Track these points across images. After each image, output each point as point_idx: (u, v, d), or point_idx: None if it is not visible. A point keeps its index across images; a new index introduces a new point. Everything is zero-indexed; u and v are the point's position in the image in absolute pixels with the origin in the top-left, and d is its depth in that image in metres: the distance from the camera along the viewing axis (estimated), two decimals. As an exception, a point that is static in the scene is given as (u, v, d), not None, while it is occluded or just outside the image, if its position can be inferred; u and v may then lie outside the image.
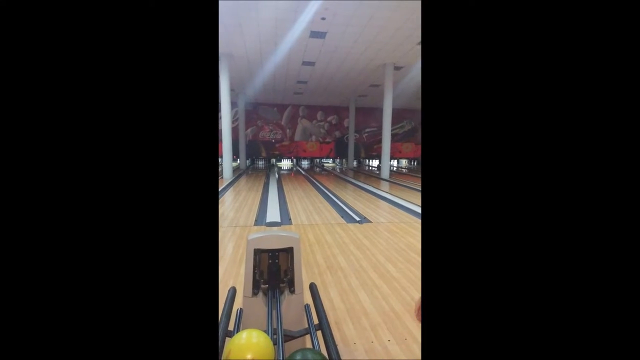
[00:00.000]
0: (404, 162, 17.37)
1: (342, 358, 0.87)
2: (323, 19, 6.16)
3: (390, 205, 5.56)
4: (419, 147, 17.31)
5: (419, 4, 5.52)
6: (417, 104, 15.00)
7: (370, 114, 15.93)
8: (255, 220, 4.31)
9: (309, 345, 1.03)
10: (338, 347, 1.56)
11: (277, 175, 10.53)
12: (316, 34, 6.93)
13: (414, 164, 17.18)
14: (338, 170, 13.88)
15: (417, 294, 2.08)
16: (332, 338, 0.91)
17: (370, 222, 4.28)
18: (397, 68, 9.26)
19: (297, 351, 0.75)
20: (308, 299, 1.22)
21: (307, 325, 1.04)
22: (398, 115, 15.82)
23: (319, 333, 0.98)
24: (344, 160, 16.38)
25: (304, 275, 2.37)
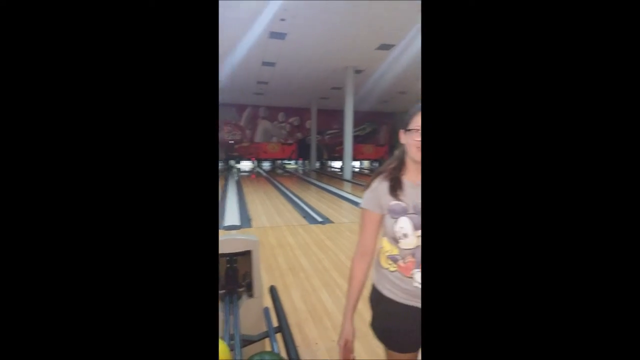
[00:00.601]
0: (366, 164, 17.82)
1: (302, 358, 0.86)
2: (282, 20, 6.13)
3: (353, 206, 5.67)
4: (379, 149, 17.87)
5: (377, 9, 5.71)
6: (381, 108, 15.50)
7: (332, 115, 16.12)
8: (215, 224, 4.16)
9: (268, 348, 1.01)
10: (299, 348, 1.55)
11: (236, 177, 10.27)
12: (276, 35, 6.88)
13: (375, 165, 17.69)
14: (300, 171, 13.88)
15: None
16: (292, 339, 0.90)
17: (333, 222, 4.33)
18: (357, 71, 9.48)
19: (254, 355, 0.73)
20: (268, 302, 1.20)
21: (266, 329, 1.02)
22: (364, 118, 16.22)
23: (279, 335, 0.96)
24: (306, 161, 16.41)
25: (265, 279, 2.33)
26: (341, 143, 11.18)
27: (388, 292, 0.85)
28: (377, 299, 0.88)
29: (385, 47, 7.64)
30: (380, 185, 0.83)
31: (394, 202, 0.81)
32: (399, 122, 0.82)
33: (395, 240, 0.82)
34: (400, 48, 7.59)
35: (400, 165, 0.84)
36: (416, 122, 0.77)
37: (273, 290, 1.21)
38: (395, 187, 0.81)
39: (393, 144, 18.51)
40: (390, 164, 0.86)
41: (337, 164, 16.23)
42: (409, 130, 0.78)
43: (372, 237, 0.86)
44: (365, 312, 0.91)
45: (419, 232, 0.79)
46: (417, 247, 0.79)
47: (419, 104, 0.79)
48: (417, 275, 0.80)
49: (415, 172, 0.81)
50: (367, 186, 0.87)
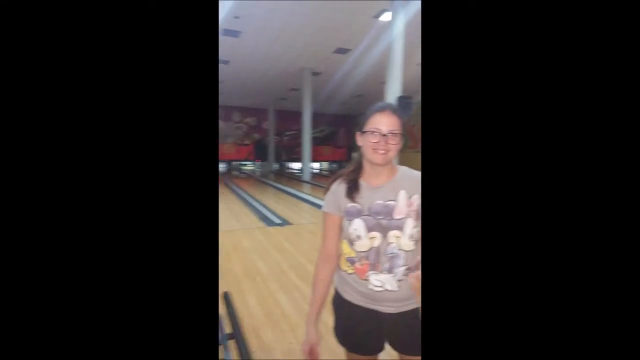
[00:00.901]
0: (325, 165, 17.98)
1: (256, 365, 0.84)
2: (237, 17, 5.99)
3: (312, 207, 5.69)
4: (337, 150, 18.16)
5: (334, 11, 5.80)
6: (340, 110, 15.75)
7: (291, 117, 16.04)
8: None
9: (221, 356, 0.97)
10: (255, 353, 1.52)
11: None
12: (230, 32, 6.69)
13: (334, 166, 17.93)
14: (258, 173, 13.63)
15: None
16: (245, 345, 0.87)
17: (292, 224, 4.31)
18: (315, 74, 9.54)
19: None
20: (222, 309, 1.16)
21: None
22: (323, 120, 16.33)
23: (232, 342, 0.93)
24: (264, 163, 16.14)
25: (219, 285, 2.24)
26: (300, 144, 11.16)
27: (347, 294, 0.85)
28: (338, 302, 0.88)
29: (342, 51, 7.79)
30: (339, 188, 0.83)
31: (350, 204, 0.81)
32: (357, 124, 0.83)
33: (351, 243, 0.82)
34: (357, 52, 7.79)
35: (358, 167, 0.84)
36: (371, 124, 0.78)
37: (226, 297, 1.17)
38: (352, 190, 0.81)
39: (351, 145, 18.97)
40: (349, 166, 0.87)
41: (296, 166, 16.19)
42: (365, 132, 0.78)
43: (334, 240, 0.85)
44: (326, 316, 0.90)
45: (372, 234, 0.80)
46: (371, 249, 0.80)
47: (374, 106, 0.81)
48: (372, 278, 0.81)
49: (371, 174, 0.82)
50: (326, 189, 0.87)
